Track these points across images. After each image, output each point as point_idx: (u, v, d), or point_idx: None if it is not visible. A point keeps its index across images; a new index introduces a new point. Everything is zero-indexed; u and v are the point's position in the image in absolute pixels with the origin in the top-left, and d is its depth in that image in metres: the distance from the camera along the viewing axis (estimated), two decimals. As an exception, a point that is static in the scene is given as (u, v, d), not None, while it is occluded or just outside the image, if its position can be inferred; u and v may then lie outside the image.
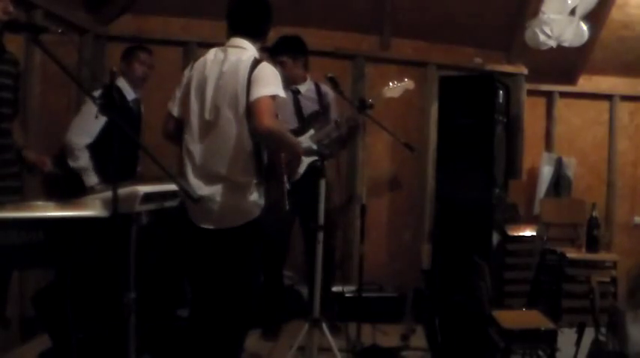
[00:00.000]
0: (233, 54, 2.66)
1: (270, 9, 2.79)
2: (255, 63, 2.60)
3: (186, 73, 2.76)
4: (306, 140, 3.89)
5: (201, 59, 2.74)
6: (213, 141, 2.63)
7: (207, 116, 2.64)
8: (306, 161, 3.84)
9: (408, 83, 3.94)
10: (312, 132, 3.91)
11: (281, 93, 2.60)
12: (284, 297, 4.14)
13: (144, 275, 2.27)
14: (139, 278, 2.21)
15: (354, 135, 4.13)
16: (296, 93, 4.01)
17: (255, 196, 2.65)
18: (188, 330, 2.81)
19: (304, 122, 3.97)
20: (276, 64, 3.88)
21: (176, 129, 2.77)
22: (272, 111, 2.54)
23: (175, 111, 2.76)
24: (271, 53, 3.94)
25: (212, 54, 2.72)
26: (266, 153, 2.69)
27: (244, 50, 2.68)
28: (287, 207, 2.81)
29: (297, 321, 3.89)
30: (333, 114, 4.01)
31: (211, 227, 2.63)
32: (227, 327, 2.72)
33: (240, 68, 2.59)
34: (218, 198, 2.61)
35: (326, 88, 3.99)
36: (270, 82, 2.57)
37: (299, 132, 3.92)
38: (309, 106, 4.01)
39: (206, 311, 2.73)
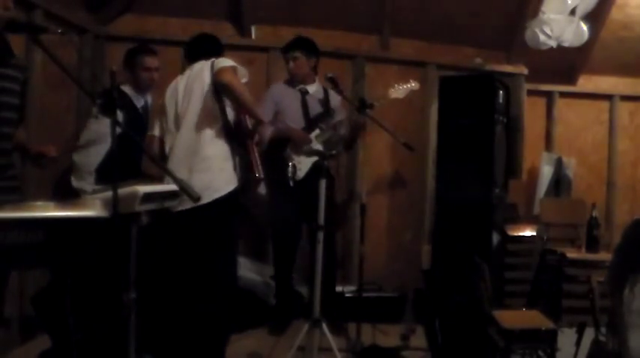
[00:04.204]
0: (197, 66, 3.10)
1: (220, 44, 3.27)
2: (214, 60, 3.02)
3: (162, 102, 3.15)
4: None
5: (172, 83, 3.15)
6: (186, 126, 2.94)
7: (179, 109, 2.99)
8: (309, 161, 3.84)
9: (413, 84, 3.94)
10: (317, 132, 3.91)
11: (240, 67, 2.97)
12: (292, 296, 4.15)
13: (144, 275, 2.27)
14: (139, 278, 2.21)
15: (357, 135, 4.15)
16: (304, 93, 4.03)
17: (229, 171, 2.89)
18: (165, 319, 2.82)
19: (310, 122, 3.98)
20: (289, 60, 3.94)
21: (160, 149, 3.05)
22: (233, 73, 2.90)
23: (156, 131, 3.13)
24: (284, 50, 3.99)
25: (180, 77, 3.15)
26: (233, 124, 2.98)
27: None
28: (261, 174, 3.01)
29: (297, 321, 3.90)
30: (339, 118, 4.02)
31: (187, 207, 2.67)
32: (211, 309, 2.77)
33: (204, 67, 3.03)
34: (194, 175, 2.77)
35: (333, 93, 3.99)
36: (228, 62, 2.96)
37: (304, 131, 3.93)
38: (316, 108, 4.02)
39: (188, 295, 2.79)
